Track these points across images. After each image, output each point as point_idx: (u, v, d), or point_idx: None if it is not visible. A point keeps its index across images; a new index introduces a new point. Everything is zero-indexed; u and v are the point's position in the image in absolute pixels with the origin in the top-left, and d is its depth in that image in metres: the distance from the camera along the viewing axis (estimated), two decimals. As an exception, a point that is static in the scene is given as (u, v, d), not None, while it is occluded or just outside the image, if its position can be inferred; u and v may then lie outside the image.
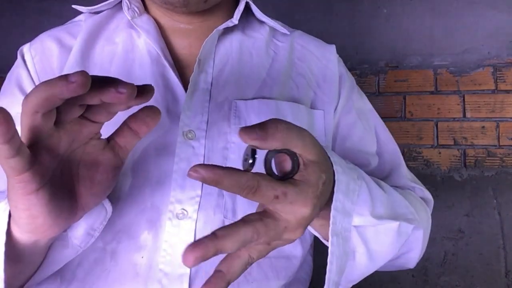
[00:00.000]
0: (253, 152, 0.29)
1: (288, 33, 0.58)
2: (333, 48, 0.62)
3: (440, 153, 1.59)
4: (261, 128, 0.28)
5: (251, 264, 0.32)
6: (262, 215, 0.30)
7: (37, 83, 0.49)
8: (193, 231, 0.45)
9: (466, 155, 1.57)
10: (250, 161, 0.29)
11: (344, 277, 0.44)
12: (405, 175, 0.62)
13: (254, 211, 0.46)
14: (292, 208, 0.30)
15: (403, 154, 1.62)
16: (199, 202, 0.46)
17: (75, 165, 0.34)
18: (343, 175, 0.37)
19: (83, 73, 0.27)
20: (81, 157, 0.35)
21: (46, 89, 0.27)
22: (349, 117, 0.58)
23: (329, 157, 0.36)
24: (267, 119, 0.49)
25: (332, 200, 0.36)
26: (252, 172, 0.29)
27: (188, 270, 0.44)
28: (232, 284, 0.46)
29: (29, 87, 0.49)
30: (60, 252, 0.40)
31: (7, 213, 0.35)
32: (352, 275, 0.45)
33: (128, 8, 0.51)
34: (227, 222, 0.46)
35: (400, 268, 0.58)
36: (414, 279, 1.57)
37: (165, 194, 0.45)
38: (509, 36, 1.57)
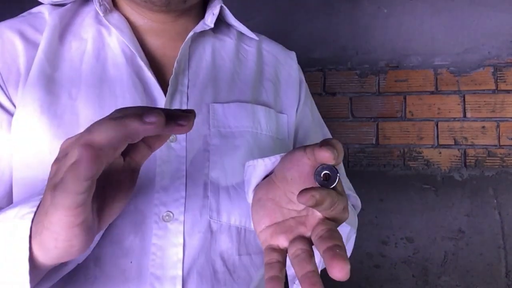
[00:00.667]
0: (334, 170, 0.33)
1: (257, 38, 0.59)
2: (293, 54, 0.64)
3: (440, 153, 1.59)
4: (335, 148, 0.32)
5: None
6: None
7: None
8: (181, 233, 0.45)
9: (467, 155, 1.57)
10: (337, 179, 0.33)
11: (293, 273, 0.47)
12: (343, 183, 0.63)
13: (236, 211, 0.48)
14: (341, 215, 0.35)
15: (403, 154, 1.62)
16: (184, 204, 0.46)
17: (103, 187, 0.34)
18: None
19: (159, 113, 0.27)
20: (107, 178, 0.34)
21: (117, 129, 0.27)
22: (306, 121, 0.61)
23: None
24: (241, 122, 0.50)
25: None
26: (323, 188, 0.32)
27: (180, 272, 0.44)
28: (218, 280, 0.46)
29: None
30: (60, 268, 0.39)
31: (27, 239, 0.32)
32: None
33: (100, 4, 0.49)
34: (213, 223, 0.47)
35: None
36: (414, 279, 1.57)
37: (148, 197, 0.45)
38: (509, 36, 1.57)
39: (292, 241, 0.35)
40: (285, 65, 0.61)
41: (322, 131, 0.65)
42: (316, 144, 0.33)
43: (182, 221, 0.45)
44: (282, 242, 0.36)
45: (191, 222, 0.46)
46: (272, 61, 0.59)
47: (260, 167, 0.40)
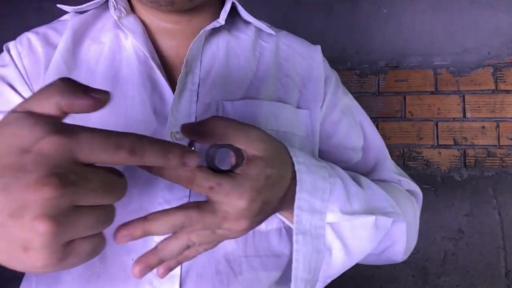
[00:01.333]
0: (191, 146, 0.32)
1: (274, 33, 0.58)
2: (318, 48, 0.62)
3: (440, 153, 1.59)
4: (199, 125, 0.32)
5: (192, 247, 0.35)
6: (200, 204, 0.33)
7: (26, 79, 0.49)
8: None
9: (466, 155, 1.58)
10: None
11: (322, 273, 0.44)
12: (391, 168, 0.62)
13: None
14: (228, 200, 0.32)
15: (403, 154, 1.62)
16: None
17: None
18: (308, 174, 0.39)
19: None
20: None
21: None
22: (334, 115, 0.59)
23: (290, 156, 0.39)
24: (252, 119, 0.49)
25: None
26: None
27: (178, 270, 0.44)
28: (221, 280, 0.46)
29: (18, 83, 0.48)
30: None
31: None
32: (330, 271, 0.45)
33: (115, 8, 0.51)
34: None
35: (388, 262, 0.59)
36: (414, 279, 1.57)
37: (153, 195, 0.45)
38: (509, 36, 1.57)
39: None
40: (307, 59, 0.59)
41: (354, 123, 0.61)
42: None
43: None
44: None
45: None
46: (291, 55, 0.58)
47: None
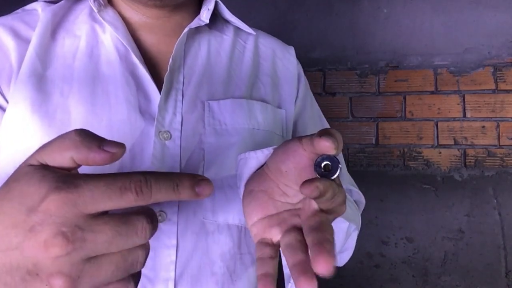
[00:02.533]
0: (335, 160, 0.31)
1: (254, 33, 0.59)
2: (292, 49, 0.63)
3: (440, 153, 1.59)
4: (335, 137, 0.30)
5: None
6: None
7: None
8: (174, 234, 0.44)
9: (466, 155, 1.57)
10: (339, 169, 0.31)
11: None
12: (345, 178, 0.62)
13: (233, 210, 0.47)
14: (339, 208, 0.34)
15: (403, 154, 1.62)
16: (178, 204, 0.45)
17: None
18: None
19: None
20: None
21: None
22: (305, 115, 0.60)
23: None
24: (239, 118, 0.49)
25: None
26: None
27: (172, 273, 0.44)
28: (216, 282, 0.46)
29: None
30: None
31: None
32: None
33: (94, 0, 0.48)
34: (207, 224, 0.46)
35: None
36: (414, 279, 1.57)
37: None
38: (509, 36, 1.57)
39: (285, 232, 0.33)
40: (283, 59, 0.60)
41: (322, 125, 0.63)
42: (313, 134, 0.31)
43: (175, 221, 0.45)
44: (275, 235, 0.34)
45: (184, 222, 0.45)
46: (269, 55, 0.59)
47: (252, 160, 0.39)
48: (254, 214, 0.36)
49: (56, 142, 0.25)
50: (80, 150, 0.24)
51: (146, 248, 0.26)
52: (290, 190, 0.35)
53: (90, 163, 0.25)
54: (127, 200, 0.24)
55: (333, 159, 0.31)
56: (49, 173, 0.24)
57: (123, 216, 0.25)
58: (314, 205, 0.33)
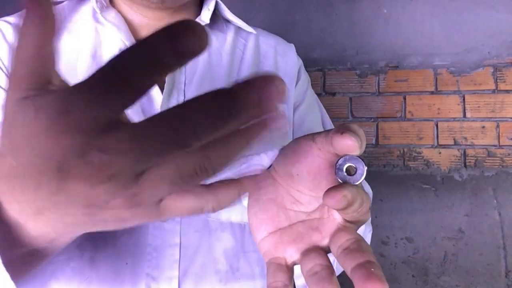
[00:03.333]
0: (360, 161, 0.27)
1: (254, 32, 0.59)
2: (293, 46, 0.63)
3: (440, 153, 1.59)
4: (358, 134, 0.26)
5: None
6: None
7: (2, 68, 0.46)
8: (178, 233, 0.45)
9: (466, 155, 1.57)
10: (365, 172, 0.27)
11: None
12: None
13: (237, 207, 0.45)
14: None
15: (403, 154, 1.62)
16: None
17: None
18: None
19: None
20: None
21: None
22: (302, 111, 0.60)
23: None
24: None
25: None
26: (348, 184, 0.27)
27: (176, 272, 0.44)
28: (219, 280, 0.46)
29: None
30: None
31: None
32: None
33: (97, 1, 0.49)
34: (210, 222, 0.46)
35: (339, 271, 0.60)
36: (414, 279, 1.57)
37: None
38: (509, 36, 1.57)
39: (305, 253, 0.28)
40: (284, 56, 0.60)
41: (317, 120, 0.62)
42: (328, 131, 0.27)
43: (178, 220, 0.45)
44: (291, 254, 0.29)
45: (187, 221, 0.45)
46: (271, 53, 0.59)
47: (256, 165, 0.37)
48: (264, 227, 0.31)
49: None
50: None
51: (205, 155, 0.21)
52: (304, 197, 0.31)
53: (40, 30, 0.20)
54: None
55: (357, 160, 0.26)
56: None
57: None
58: (337, 215, 0.29)
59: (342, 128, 0.26)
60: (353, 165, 0.26)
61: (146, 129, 0.19)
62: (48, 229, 0.23)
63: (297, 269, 0.35)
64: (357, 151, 0.25)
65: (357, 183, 0.26)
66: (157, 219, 0.22)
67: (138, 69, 0.18)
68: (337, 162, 0.27)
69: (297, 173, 0.30)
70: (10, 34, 0.48)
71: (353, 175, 0.27)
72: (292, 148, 0.31)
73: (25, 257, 0.27)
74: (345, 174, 0.27)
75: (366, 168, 0.27)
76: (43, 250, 0.27)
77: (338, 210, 0.26)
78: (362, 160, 0.26)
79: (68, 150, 0.19)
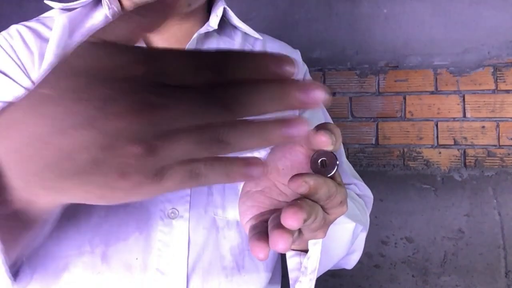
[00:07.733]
0: (333, 155, 0.29)
1: (261, 38, 0.60)
2: (298, 52, 0.65)
3: (440, 153, 1.59)
4: (333, 132, 0.29)
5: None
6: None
7: (23, 70, 0.48)
8: (186, 230, 0.46)
9: (466, 155, 1.58)
10: (336, 166, 0.30)
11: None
12: (347, 171, 0.62)
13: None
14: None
15: (403, 154, 1.62)
16: (190, 201, 0.47)
17: None
18: None
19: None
20: None
21: None
22: (307, 116, 0.60)
23: None
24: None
25: None
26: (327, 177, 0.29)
27: (184, 268, 0.45)
28: (226, 276, 0.47)
29: (15, 73, 0.48)
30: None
31: None
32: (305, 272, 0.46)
33: (109, 8, 0.51)
34: (218, 220, 0.48)
35: (338, 268, 0.59)
36: (414, 279, 1.57)
37: None
38: (509, 36, 1.57)
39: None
40: None
41: (325, 118, 0.63)
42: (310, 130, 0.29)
43: (187, 218, 0.46)
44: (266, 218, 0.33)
45: (196, 219, 0.47)
46: None
47: None
48: (250, 212, 0.34)
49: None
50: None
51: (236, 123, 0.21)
52: (288, 189, 0.33)
53: None
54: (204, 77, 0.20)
55: (329, 154, 0.29)
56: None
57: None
58: None
59: (319, 126, 0.29)
60: (326, 159, 0.29)
61: (194, 92, 0.20)
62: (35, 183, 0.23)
63: (291, 263, 0.39)
64: (330, 147, 0.28)
65: (329, 175, 0.29)
66: (155, 191, 0.22)
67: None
68: (312, 156, 0.30)
69: (283, 167, 0.33)
70: (30, 38, 0.50)
71: (326, 167, 0.29)
72: (279, 146, 0.33)
73: (7, 219, 0.26)
74: (318, 166, 0.29)
75: (338, 162, 0.30)
76: (23, 214, 0.27)
77: (301, 194, 0.28)
78: (335, 156, 0.29)
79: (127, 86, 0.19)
